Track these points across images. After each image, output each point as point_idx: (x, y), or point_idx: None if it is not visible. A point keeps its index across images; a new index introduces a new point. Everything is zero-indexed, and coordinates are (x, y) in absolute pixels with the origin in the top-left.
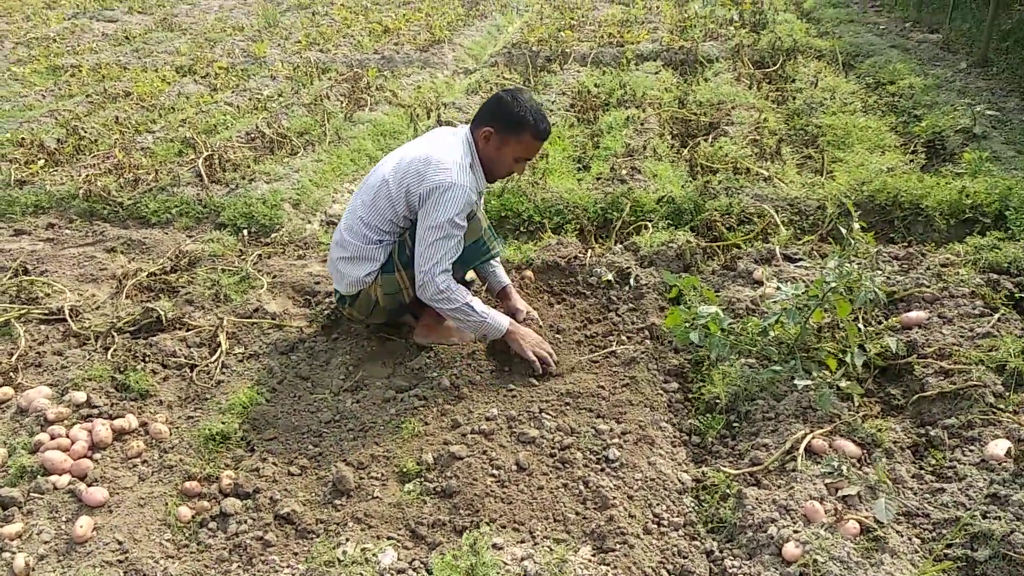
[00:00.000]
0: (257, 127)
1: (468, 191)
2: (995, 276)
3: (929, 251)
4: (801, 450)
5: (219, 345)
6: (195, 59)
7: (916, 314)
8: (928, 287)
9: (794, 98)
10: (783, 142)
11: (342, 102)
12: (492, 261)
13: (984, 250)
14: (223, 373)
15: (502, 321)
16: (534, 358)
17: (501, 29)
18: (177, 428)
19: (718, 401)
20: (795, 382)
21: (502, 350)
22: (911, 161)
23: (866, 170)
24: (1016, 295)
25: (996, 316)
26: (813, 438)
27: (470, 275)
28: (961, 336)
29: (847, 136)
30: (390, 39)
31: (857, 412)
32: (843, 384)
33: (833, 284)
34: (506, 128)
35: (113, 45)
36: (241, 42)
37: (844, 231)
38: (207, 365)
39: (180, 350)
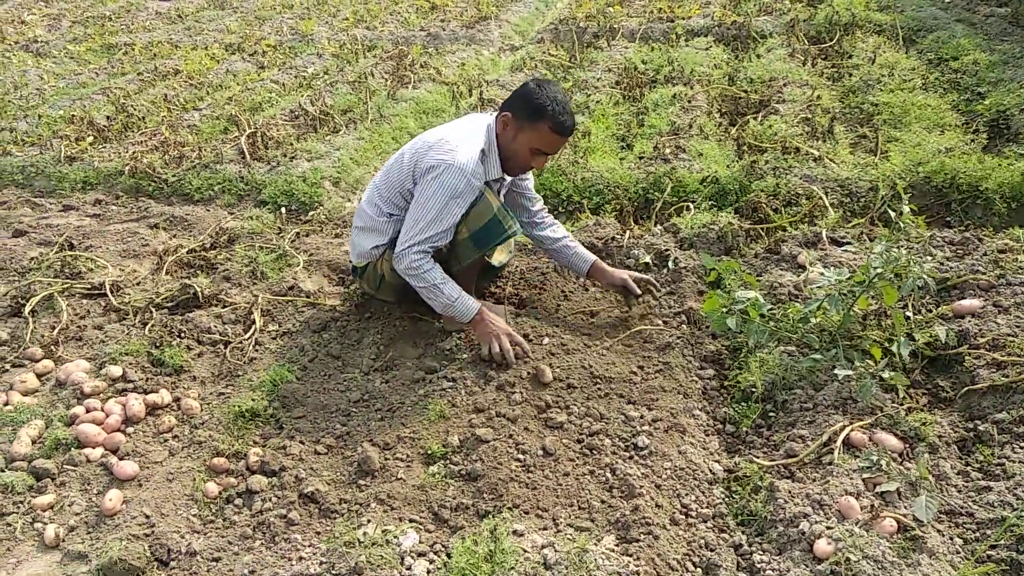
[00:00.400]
0: (300, 105)
1: (468, 176)
2: None
3: (987, 236)
4: (839, 443)
5: (253, 322)
6: (244, 37)
7: (969, 302)
8: (984, 274)
9: (850, 75)
10: (836, 120)
11: (386, 79)
12: (564, 240)
13: None
14: (256, 350)
15: (471, 307)
16: (487, 355)
17: (549, 5)
18: (208, 404)
19: (754, 389)
20: (836, 371)
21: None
22: (972, 141)
23: (923, 150)
24: None
25: None
26: (852, 430)
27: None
28: (1017, 327)
29: (904, 114)
30: (437, 16)
31: (901, 404)
32: (887, 375)
33: (880, 270)
34: (524, 115)
35: (166, 24)
36: (289, 20)
37: (892, 214)
38: (240, 342)
39: (215, 327)
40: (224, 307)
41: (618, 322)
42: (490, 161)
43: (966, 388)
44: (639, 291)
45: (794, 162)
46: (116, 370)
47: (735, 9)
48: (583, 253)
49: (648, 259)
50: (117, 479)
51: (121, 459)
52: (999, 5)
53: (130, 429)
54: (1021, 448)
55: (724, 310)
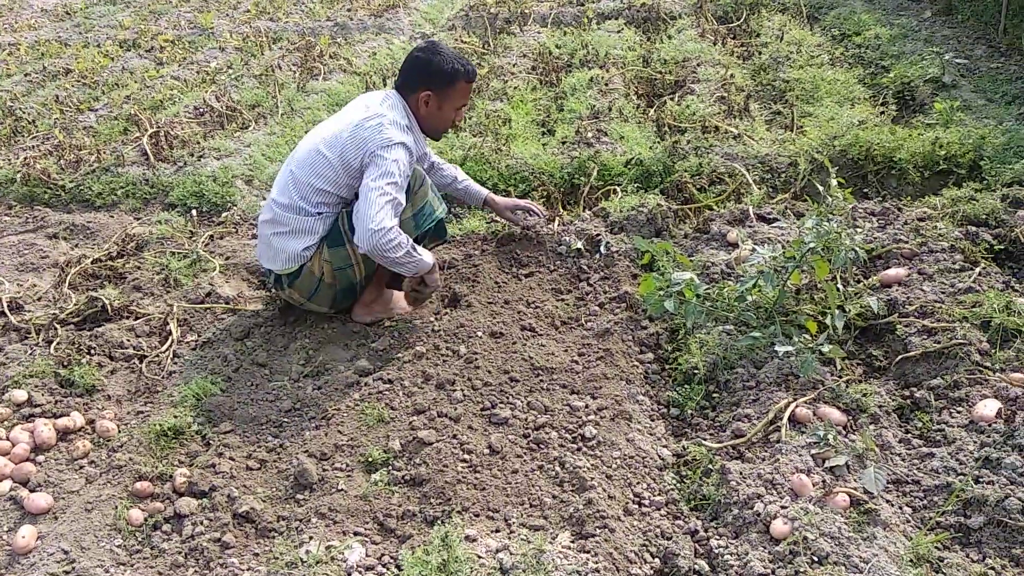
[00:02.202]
0: (205, 101)
1: (408, 149)
2: (974, 229)
3: (905, 205)
4: (785, 420)
5: (170, 333)
6: (139, 32)
7: (895, 271)
8: (906, 243)
9: (760, 53)
10: (751, 98)
11: (294, 72)
12: (459, 178)
13: (961, 202)
14: (175, 363)
15: (429, 258)
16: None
17: None
18: (126, 425)
19: (696, 371)
20: (775, 348)
21: (465, 326)
22: (882, 113)
23: (837, 124)
24: (996, 247)
25: (977, 270)
26: (796, 407)
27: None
28: (942, 293)
29: (816, 90)
30: (343, 5)
31: (840, 377)
32: (825, 349)
33: (812, 244)
34: (442, 85)
35: (53, 21)
36: (187, 13)
37: (821, 188)
38: (157, 355)
39: (128, 340)
40: (136, 319)
41: (555, 309)
42: (415, 136)
43: (900, 356)
44: (521, 221)
45: (715, 141)
46: (20, 394)
47: None
48: (477, 188)
49: (580, 245)
50: (29, 513)
51: (32, 491)
52: None
53: (40, 458)
54: (958, 413)
55: (660, 292)
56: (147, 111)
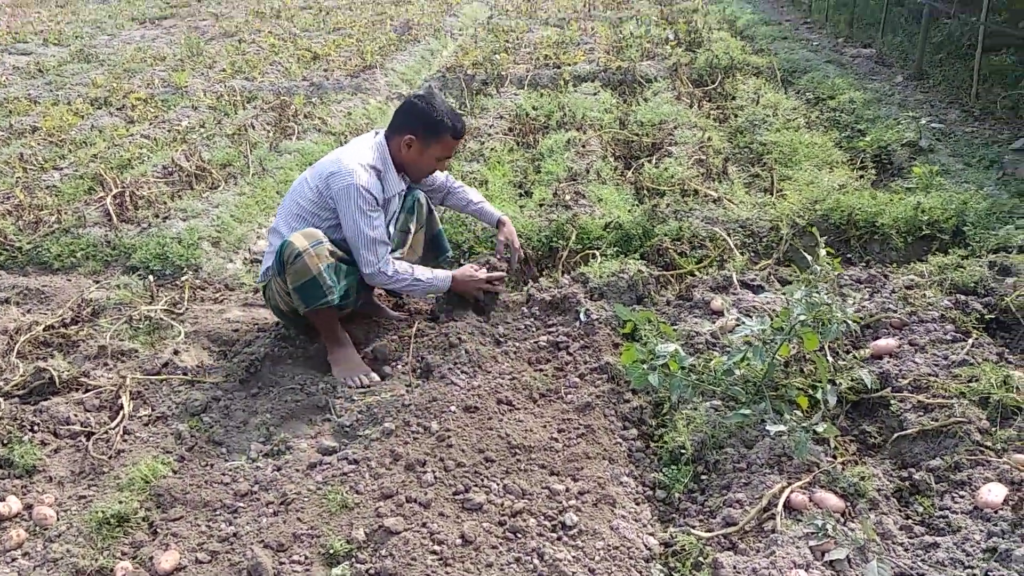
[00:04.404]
0: (174, 160)
1: (369, 189)
2: (963, 297)
3: (891, 272)
4: (780, 506)
5: (121, 408)
6: (111, 90)
7: (886, 342)
8: (895, 312)
9: (736, 115)
10: (729, 161)
11: (268, 131)
12: (473, 200)
13: (948, 269)
14: (124, 440)
15: (446, 278)
16: (481, 295)
17: (435, 53)
18: (67, 511)
19: (684, 451)
20: (767, 428)
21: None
22: (861, 177)
23: (817, 188)
24: (986, 317)
25: (970, 341)
26: (792, 492)
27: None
28: (936, 365)
29: (794, 153)
30: (319, 65)
31: (835, 457)
32: (820, 429)
33: (803, 317)
34: (426, 133)
35: (25, 78)
36: (162, 72)
37: (809, 257)
38: (106, 432)
39: (75, 416)
40: (87, 392)
41: (533, 381)
42: (387, 178)
43: (896, 434)
44: (499, 255)
45: (695, 204)
46: None
47: (618, 55)
48: (491, 210)
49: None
50: None
51: None
52: (864, 46)
53: None
54: (961, 497)
55: (644, 365)
56: (113, 170)
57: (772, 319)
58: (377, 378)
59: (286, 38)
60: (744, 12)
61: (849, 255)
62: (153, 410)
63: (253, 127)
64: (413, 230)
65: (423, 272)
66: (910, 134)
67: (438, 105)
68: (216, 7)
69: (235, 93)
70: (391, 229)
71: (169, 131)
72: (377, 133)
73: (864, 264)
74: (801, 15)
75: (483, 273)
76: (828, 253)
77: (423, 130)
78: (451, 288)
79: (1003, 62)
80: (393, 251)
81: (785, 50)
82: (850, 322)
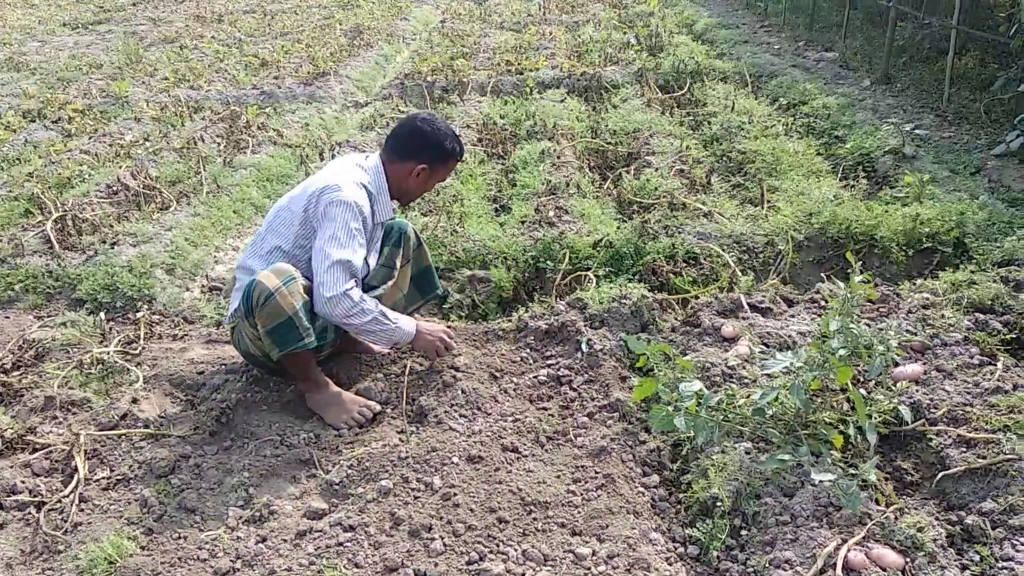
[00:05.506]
0: (119, 179)
1: (362, 209)
2: (982, 317)
3: (903, 291)
4: (839, 570)
5: (75, 471)
6: (45, 101)
7: (911, 368)
8: (915, 335)
9: (709, 122)
10: (713, 172)
11: (219, 144)
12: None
13: (962, 287)
14: (82, 510)
15: (410, 326)
16: (443, 350)
17: (389, 59)
18: None
19: (719, 503)
20: (812, 476)
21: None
22: (852, 187)
23: (808, 200)
24: (1007, 336)
25: (999, 366)
26: (849, 550)
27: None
28: (968, 393)
29: (777, 162)
30: (269, 72)
31: (877, 502)
32: (871, 478)
33: (843, 351)
34: (436, 161)
35: None
36: (99, 81)
37: (840, 284)
38: (59, 501)
39: (23, 482)
40: (34, 452)
41: (538, 423)
42: (380, 204)
43: (941, 474)
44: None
45: (684, 219)
46: None
47: (580, 60)
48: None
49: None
50: None
51: None
52: (825, 50)
53: None
54: (1022, 544)
55: (667, 407)
56: (52, 190)
57: (803, 351)
58: (377, 407)
59: (231, 43)
60: (701, 15)
61: (848, 271)
62: (112, 471)
63: (203, 140)
64: (399, 265)
65: (388, 312)
66: (892, 141)
67: (443, 128)
68: (153, 11)
69: (180, 103)
70: (371, 261)
71: (111, 145)
72: (367, 155)
73: (872, 283)
74: (757, 18)
75: (443, 325)
76: (864, 280)
77: (434, 157)
78: (413, 341)
79: (966, 65)
80: (374, 287)
81: (748, 54)
82: (896, 356)
